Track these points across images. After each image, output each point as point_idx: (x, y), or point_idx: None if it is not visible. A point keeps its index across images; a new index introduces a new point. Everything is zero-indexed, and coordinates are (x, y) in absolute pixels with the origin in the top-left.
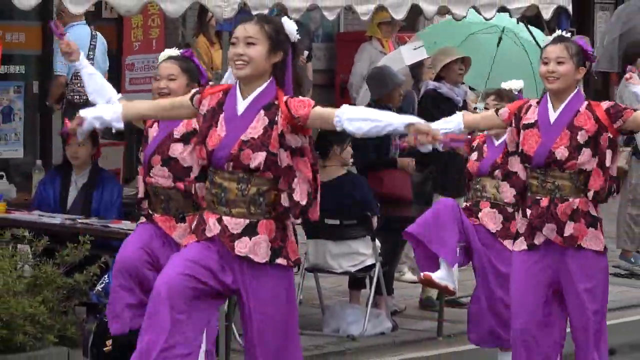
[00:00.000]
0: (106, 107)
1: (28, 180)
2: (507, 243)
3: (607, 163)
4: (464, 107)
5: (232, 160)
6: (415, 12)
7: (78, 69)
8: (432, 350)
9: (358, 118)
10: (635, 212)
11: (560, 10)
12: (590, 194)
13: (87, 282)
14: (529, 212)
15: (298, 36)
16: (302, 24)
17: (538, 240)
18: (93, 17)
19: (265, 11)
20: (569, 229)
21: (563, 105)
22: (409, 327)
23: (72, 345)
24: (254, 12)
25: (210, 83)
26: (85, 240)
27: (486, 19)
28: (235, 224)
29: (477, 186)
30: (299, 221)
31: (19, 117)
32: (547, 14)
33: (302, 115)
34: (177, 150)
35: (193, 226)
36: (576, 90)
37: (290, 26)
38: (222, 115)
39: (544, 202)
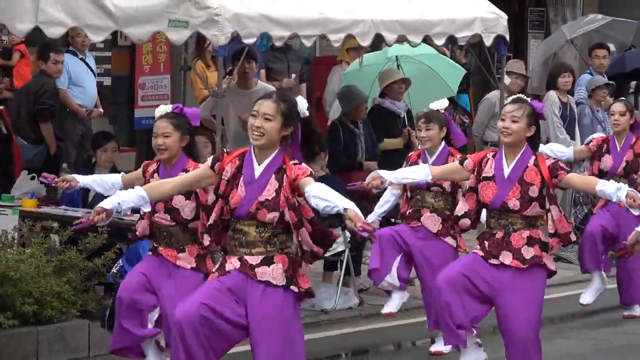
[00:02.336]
0: (129, 193)
1: None
2: (449, 239)
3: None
4: (409, 117)
5: (251, 217)
6: (379, 39)
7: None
8: (393, 321)
9: (318, 197)
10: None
11: (499, 38)
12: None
13: (104, 265)
14: (486, 243)
15: (307, 112)
16: (295, 50)
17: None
18: (110, 45)
19: (254, 39)
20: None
21: (515, 161)
22: (373, 303)
23: (92, 318)
24: (245, 41)
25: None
26: (102, 230)
27: (435, 47)
28: (254, 259)
29: (418, 197)
30: (311, 266)
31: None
32: (488, 42)
33: (297, 179)
34: (179, 202)
35: (214, 269)
36: (525, 146)
37: (302, 104)
38: (241, 179)
39: (499, 234)
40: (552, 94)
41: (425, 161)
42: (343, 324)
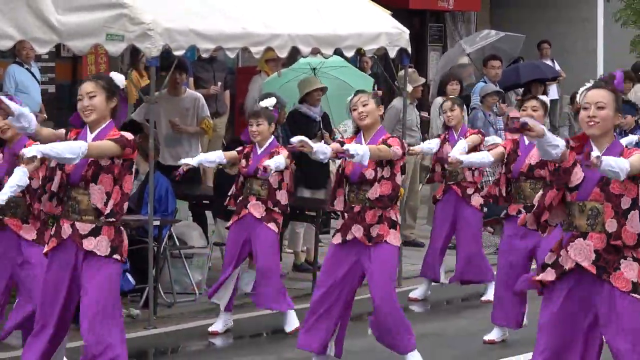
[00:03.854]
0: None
1: None
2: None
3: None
4: (325, 122)
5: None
6: (295, 51)
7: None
8: (308, 303)
9: None
10: None
11: (402, 51)
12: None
13: None
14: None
15: (124, 84)
16: (221, 61)
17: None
18: (54, 56)
19: (183, 51)
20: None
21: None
22: (291, 287)
23: None
24: (175, 53)
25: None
26: None
27: (346, 59)
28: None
29: (247, 185)
30: None
31: None
32: (392, 54)
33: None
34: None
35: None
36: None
37: (118, 78)
38: None
39: (357, 208)
40: (439, 100)
41: (255, 153)
42: None
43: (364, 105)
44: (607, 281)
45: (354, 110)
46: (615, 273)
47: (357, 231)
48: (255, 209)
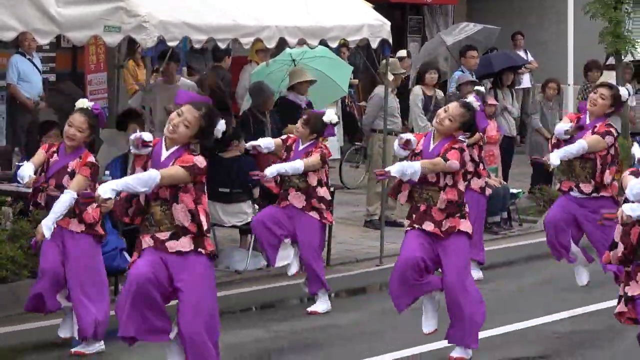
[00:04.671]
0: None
1: (9, 161)
2: (312, 213)
3: None
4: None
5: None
6: (282, 42)
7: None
8: (294, 280)
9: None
10: None
11: (383, 42)
12: None
13: None
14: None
15: (220, 135)
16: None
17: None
18: (55, 46)
19: (177, 42)
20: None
21: None
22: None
23: None
24: (169, 44)
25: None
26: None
27: (331, 49)
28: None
29: (286, 178)
30: None
31: (2, 117)
32: (374, 44)
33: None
34: (66, 182)
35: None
36: None
37: (220, 127)
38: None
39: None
40: (417, 88)
41: (297, 147)
42: (253, 282)
43: (445, 112)
44: None
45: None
46: None
47: (428, 227)
48: (296, 199)
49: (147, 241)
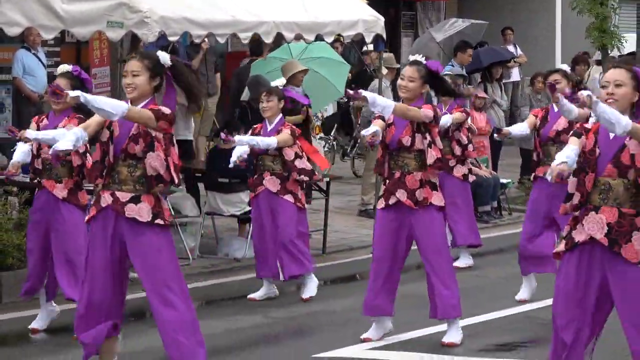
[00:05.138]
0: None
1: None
2: (288, 197)
3: None
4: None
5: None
6: (279, 37)
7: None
8: None
9: None
10: None
11: (377, 37)
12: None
13: None
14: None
15: (169, 62)
16: (212, 46)
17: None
18: (59, 41)
19: (177, 37)
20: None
21: None
22: None
23: None
24: (170, 38)
25: None
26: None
27: (329, 43)
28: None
29: (260, 162)
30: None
31: (8, 109)
32: (369, 39)
33: None
34: None
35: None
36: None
37: (163, 57)
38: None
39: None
40: None
41: (265, 129)
42: (252, 269)
43: (410, 81)
44: (618, 253)
45: (401, 79)
46: (626, 245)
47: (401, 195)
48: (271, 183)
49: (106, 198)
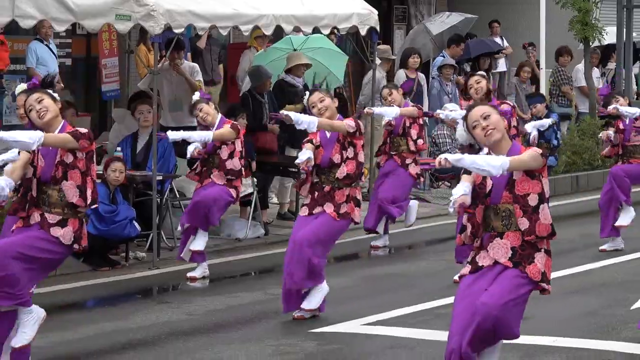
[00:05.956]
0: None
1: None
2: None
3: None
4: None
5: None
6: (279, 30)
7: None
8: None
9: None
10: None
11: (371, 29)
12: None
13: None
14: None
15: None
16: (214, 38)
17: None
18: (70, 33)
19: (182, 30)
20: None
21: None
22: (275, 233)
23: None
24: (175, 31)
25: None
26: None
27: (327, 36)
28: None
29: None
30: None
31: None
32: (363, 32)
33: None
34: None
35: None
36: None
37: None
38: None
39: (327, 188)
40: (401, 72)
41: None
42: (252, 249)
43: (321, 102)
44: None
45: (313, 107)
46: (529, 266)
47: (327, 208)
48: (218, 179)
49: (35, 217)
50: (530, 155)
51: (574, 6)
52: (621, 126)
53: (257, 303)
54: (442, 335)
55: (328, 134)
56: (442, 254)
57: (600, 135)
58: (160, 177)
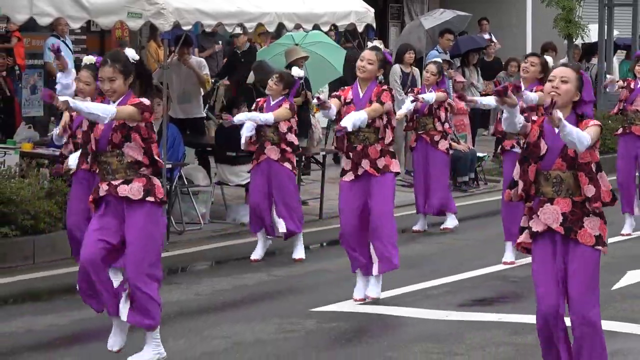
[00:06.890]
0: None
1: (46, 129)
2: (286, 164)
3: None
4: (305, 84)
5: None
6: (281, 27)
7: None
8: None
9: None
10: None
11: (368, 26)
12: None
13: None
14: (351, 154)
15: (136, 57)
16: (220, 34)
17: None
18: (85, 30)
19: (190, 27)
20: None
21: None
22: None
23: None
24: (183, 28)
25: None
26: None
27: (325, 33)
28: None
29: (261, 133)
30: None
31: (40, 91)
32: (360, 28)
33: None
34: None
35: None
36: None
37: (130, 54)
38: None
39: (359, 147)
40: (396, 67)
41: (268, 103)
42: None
43: (370, 63)
44: (575, 239)
45: (362, 61)
46: (580, 231)
47: (365, 165)
48: (272, 152)
49: (103, 188)
50: (596, 132)
51: (558, 4)
52: (632, 85)
53: (261, 284)
54: (435, 314)
55: (361, 93)
56: (437, 238)
57: (608, 76)
58: (170, 165)
